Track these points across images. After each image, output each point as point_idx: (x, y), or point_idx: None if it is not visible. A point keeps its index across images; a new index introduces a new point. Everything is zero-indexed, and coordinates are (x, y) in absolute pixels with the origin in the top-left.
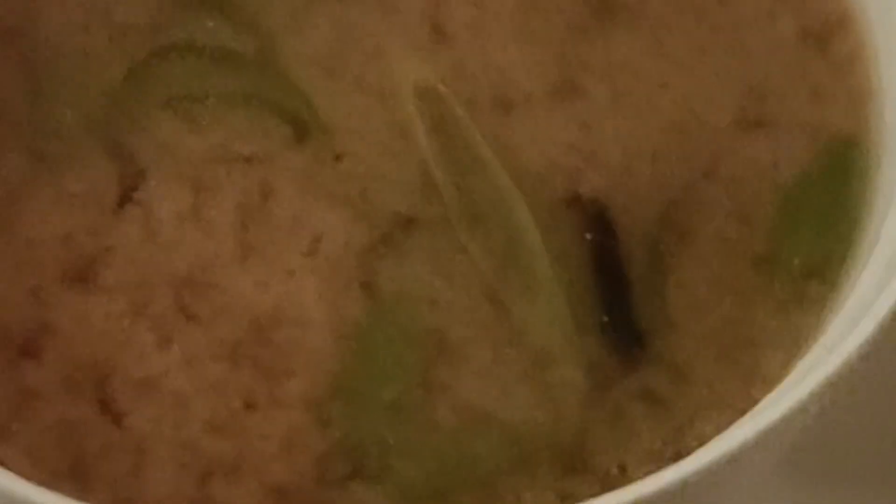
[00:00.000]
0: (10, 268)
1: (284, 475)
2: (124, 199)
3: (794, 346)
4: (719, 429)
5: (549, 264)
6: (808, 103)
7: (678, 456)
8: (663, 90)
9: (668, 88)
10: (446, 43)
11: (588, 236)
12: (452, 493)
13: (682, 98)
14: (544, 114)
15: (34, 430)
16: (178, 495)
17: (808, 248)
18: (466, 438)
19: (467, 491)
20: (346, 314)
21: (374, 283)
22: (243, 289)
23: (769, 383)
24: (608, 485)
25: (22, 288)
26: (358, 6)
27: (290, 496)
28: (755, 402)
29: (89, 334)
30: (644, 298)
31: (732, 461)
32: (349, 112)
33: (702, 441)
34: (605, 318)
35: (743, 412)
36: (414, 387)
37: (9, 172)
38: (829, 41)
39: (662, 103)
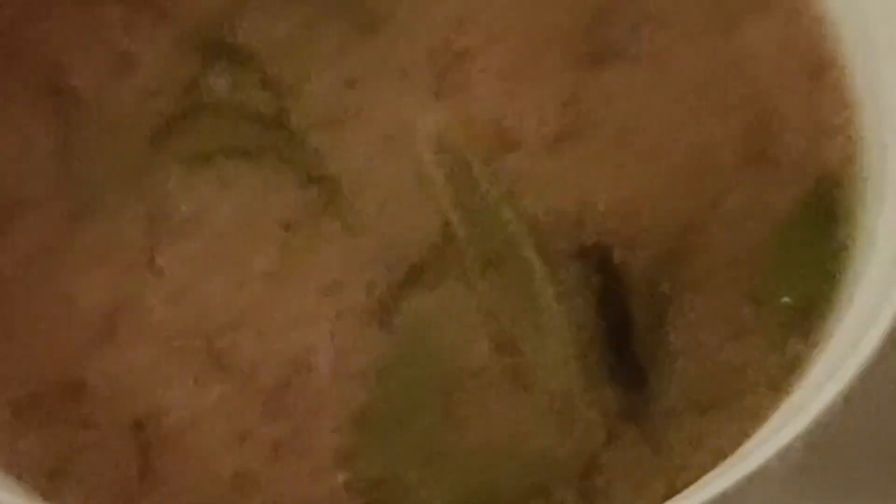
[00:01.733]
0: (50, 323)
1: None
2: (155, 252)
3: (785, 383)
4: (713, 466)
5: (558, 307)
6: (804, 140)
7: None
8: (667, 129)
9: (672, 127)
10: (454, 91)
11: (594, 279)
12: None
13: (687, 136)
14: (550, 157)
15: (82, 480)
16: None
17: (798, 286)
18: (486, 473)
19: None
20: (368, 357)
21: (393, 326)
22: (269, 338)
23: (762, 420)
24: None
25: (61, 342)
26: (368, 58)
27: None
28: (748, 437)
29: (124, 387)
30: (647, 339)
31: (725, 499)
32: (367, 163)
33: (697, 479)
34: (612, 360)
35: (735, 448)
36: (434, 425)
37: (44, 228)
38: (823, 78)
39: (666, 142)
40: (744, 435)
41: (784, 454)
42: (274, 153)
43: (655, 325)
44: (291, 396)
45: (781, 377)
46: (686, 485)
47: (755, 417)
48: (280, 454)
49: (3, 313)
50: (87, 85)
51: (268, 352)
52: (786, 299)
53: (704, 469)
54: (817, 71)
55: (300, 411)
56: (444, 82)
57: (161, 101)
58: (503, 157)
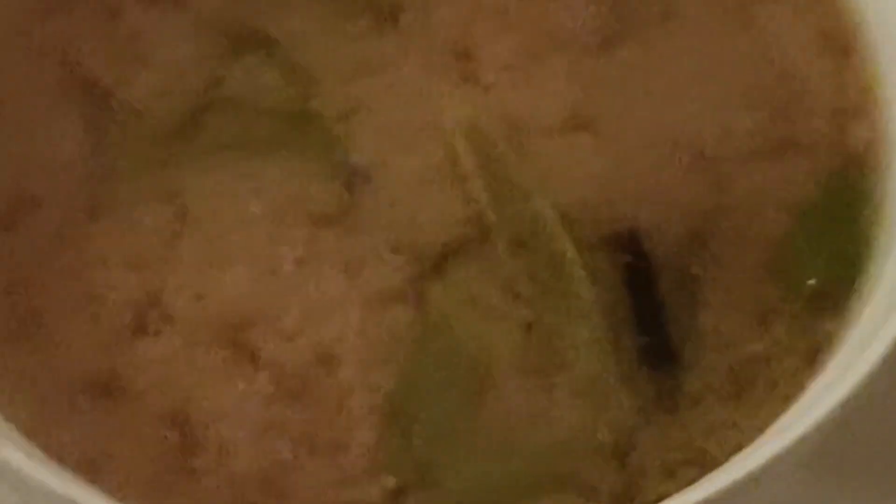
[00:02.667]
0: (79, 316)
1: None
2: (179, 246)
3: (813, 366)
4: (742, 446)
5: (589, 290)
6: (828, 124)
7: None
8: (688, 115)
9: (694, 113)
10: (474, 81)
11: (626, 259)
12: None
13: (709, 121)
14: (571, 144)
15: (123, 466)
16: None
17: (822, 269)
18: (514, 456)
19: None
20: (396, 341)
21: (421, 311)
22: (296, 328)
23: (789, 401)
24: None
25: (91, 335)
26: (390, 49)
27: None
28: (776, 419)
29: (154, 380)
30: (678, 322)
31: (753, 478)
32: (394, 151)
33: (725, 459)
34: (643, 341)
35: (763, 430)
36: (464, 409)
37: (63, 222)
38: (847, 63)
39: (688, 128)
40: (773, 417)
41: (811, 435)
42: (299, 145)
43: (686, 306)
44: (319, 385)
45: (809, 360)
46: (715, 466)
47: (784, 400)
48: (310, 444)
49: (28, 308)
50: (110, 80)
51: (295, 342)
52: (811, 281)
53: (735, 450)
54: (842, 56)
55: (329, 400)
56: (464, 72)
57: (184, 94)
58: (526, 145)
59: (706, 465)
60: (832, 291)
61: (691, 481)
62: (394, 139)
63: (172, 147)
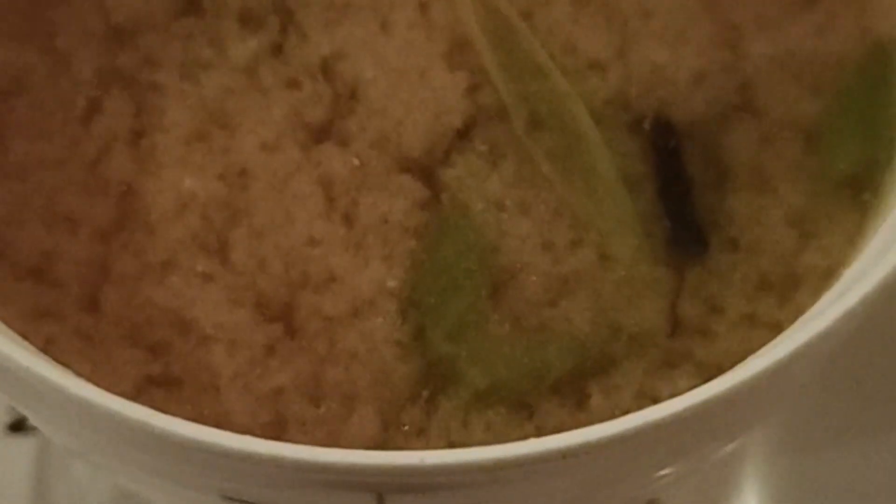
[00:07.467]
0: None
1: (362, 389)
2: (147, 150)
3: (840, 254)
4: (768, 338)
5: (613, 166)
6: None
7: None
8: None
9: None
10: None
11: (651, 137)
12: (528, 396)
13: None
14: (585, 18)
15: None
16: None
17: (853, 154)
18: (538, 345)
19: (543, 394)
20: (414, 229)
21: (439, 196)
22: (293, 225)
23: (816, 292)
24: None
25: (69, 248)
26: None
27: (369, 408)
28: (802, 310)
29: (131, 293)
30: (704, 200)
31: (778, 372)
32: (398, 28)
33: (752, 350)
34: (669, 219)
35: (790, 321)
36: (483, 297)
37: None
38: None
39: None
40: (797, 307)
41: (842, 323)
42: (279, 38)
43: (714, 187)
44: (324, 287)
45: (843, 245)
46: (749, 352)
47: (809, 290)
48: (330, 323)
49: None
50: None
51: (290, 240)
52: (844, 165)
53: (768, 337)
54: None
55: (338, 300)
56: None
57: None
58: (539, 20)
59: (741, 349)
60: (863, 178)
61: (726, 368)
62: (395, 15)
63: (141, 50)
